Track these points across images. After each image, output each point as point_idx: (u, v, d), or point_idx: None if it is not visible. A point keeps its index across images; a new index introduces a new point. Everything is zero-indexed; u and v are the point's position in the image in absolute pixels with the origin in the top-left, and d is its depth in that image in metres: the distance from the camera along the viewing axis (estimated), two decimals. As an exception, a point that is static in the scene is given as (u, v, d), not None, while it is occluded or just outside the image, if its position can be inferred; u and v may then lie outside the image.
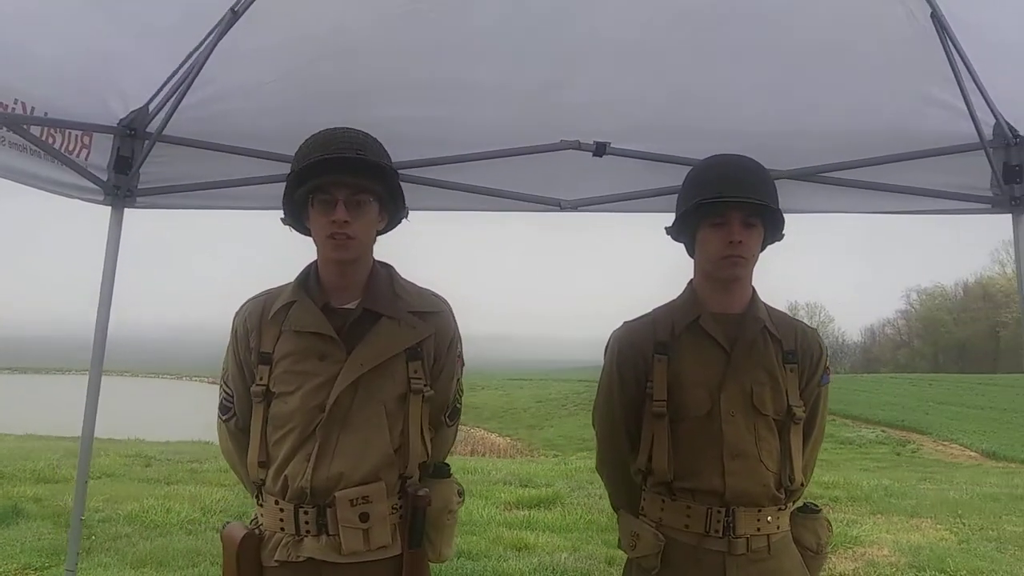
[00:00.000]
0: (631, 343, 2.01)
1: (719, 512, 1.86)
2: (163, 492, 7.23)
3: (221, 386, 1.96)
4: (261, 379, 1.84)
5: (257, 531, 1.83)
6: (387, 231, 1.94)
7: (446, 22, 2.59)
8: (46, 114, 2.61)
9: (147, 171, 3.04)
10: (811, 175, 3.02)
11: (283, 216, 1.89)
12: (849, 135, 2.92)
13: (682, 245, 2.04)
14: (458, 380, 2.00)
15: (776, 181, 2.00)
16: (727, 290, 1.96)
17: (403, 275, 1.94)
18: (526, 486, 8.33)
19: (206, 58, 2.61)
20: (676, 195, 2.04)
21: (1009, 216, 2.85)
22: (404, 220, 1.95)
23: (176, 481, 8.11)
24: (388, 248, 1.95)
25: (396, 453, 1.81)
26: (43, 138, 2.62)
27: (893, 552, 5.84)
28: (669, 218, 2.04)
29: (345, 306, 1.85)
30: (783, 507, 1.93)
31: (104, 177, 2.96)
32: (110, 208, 3.04)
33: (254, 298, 1.92)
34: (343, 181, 1.76)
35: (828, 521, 2.04)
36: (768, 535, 1.89)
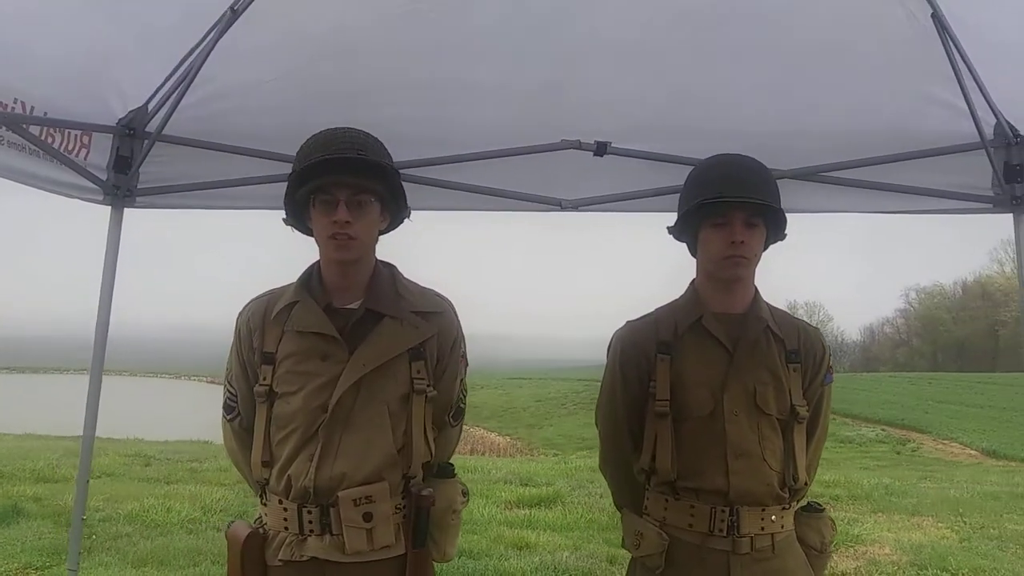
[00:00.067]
0: (634, 342, 2.01)
1: (723, 511, 1.86)
2: (163, 491, 7.24)
3: (225, 386, 1.96)
4: (264, 379, 1.84)
5: (261, 530, 1.83)
6: (389, 231, 1.94)
7: (446, 22, 2.59)
8: (46, 114, 2.61)
9: (146, 171, 3.03)
10: (812, 175, 3.01)
11: (285, 216, 1.89)
12: (850, 135, 2.92)
13: (684, 245, 2.04)
14: (462, 380, 2.00)
15: (777, 181, 2.00)
16: (729, 290, 1.96)
17: (406, 275, 1.94)
18: (526, 485, 8.34)
19: (205, 57, 2.61)
20: (677, 195, 2.04)
21: (1010, 216, 2.85)
22: (406, 220, 1.95)
23: (176, 480, 8.12)
24: (390, 247, 1.95)
25: (399, 453, 1.81)
26: (43, 138, 2.61)
27: (895, 551, 5.84)
28: (670, 218, 2.03)
29: (348, 306, 1.85)
30: (787, 506, 1.93)
31: (104, 177, 2.96)
32: (110, 208, 3.04)
33: (257, 298, 1.92)
34: (344, 181, 1.76)
35: (832, 520, 2.05)
36: (772, 534, 1.89)
